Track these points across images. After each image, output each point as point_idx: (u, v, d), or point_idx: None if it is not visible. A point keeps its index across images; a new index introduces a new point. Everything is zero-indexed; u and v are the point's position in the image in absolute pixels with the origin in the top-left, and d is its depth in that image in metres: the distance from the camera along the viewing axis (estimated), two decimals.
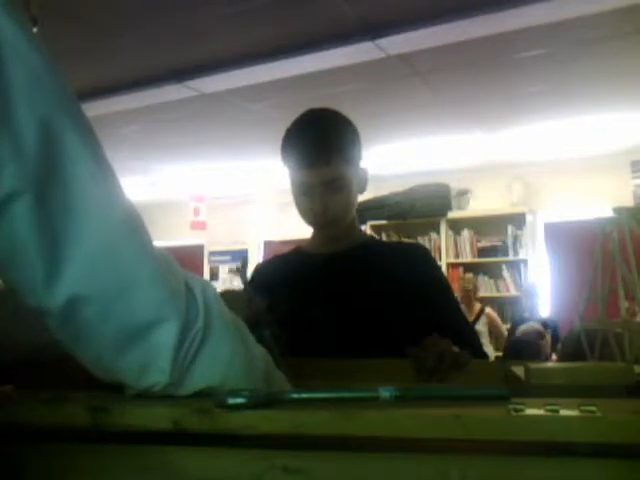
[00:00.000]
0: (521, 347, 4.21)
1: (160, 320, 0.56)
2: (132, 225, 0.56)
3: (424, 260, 1.41)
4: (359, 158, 1.35)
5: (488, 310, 5.39)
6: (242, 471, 0.59)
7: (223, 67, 3.53)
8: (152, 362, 0.57)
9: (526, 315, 5.19)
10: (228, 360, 0.62)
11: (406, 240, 5.97)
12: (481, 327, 5.19)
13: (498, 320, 5.42)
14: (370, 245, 1.43)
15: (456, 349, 1.08)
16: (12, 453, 0.66)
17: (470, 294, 5.28)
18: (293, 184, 1.33)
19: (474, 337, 1.36)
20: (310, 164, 1.27)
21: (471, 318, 5.09)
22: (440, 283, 1.40)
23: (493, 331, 5.33)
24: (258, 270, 1.47)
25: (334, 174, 1.28)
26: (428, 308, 1.27)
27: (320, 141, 1.28)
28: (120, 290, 0.54)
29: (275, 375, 0.71)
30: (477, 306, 5.36)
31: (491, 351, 5.05)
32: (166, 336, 0.56)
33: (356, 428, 0.55)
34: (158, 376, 0.58)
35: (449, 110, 4.40)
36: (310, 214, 1.32)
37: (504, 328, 5.38)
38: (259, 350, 0.68)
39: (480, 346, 1.36)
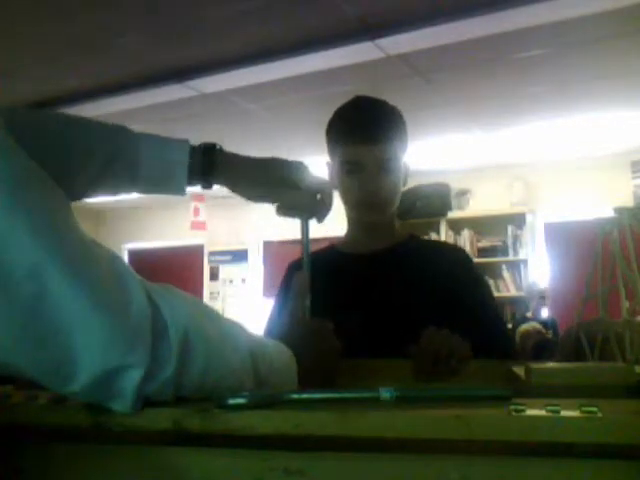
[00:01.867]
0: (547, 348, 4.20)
1: (118, 369, 0.56)
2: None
3: (466, 262, 1.38)
4: (406, 148, 1.33)
5: None
6: (242, 472, 0.59)
7: (223, 67, 3.53)
8: (113, 400, 0.58)
9: (528, 315, 5.18)
10: (212, 387, 0.63)
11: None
12: None
13: None
14: (411, 243, 1.39)
15: (457, 340, 1.05)
16: (12, 453, 0.66)
17: None
18: (343, 163, 1.29)
19: (507, 341, 1.32)
20: (368, 139, 1.24)
21: None
22: (480, 286, 1.37)
23: None
24: (289, 272, 1.41)
25: (390, 153, 1.26)
26: (468, 311, 1.24)
27: (379, 118, 1.27)
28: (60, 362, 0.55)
29: (275, 372, 0.71)
30: None
31: None
32: (126, 384, 0.57)
33: (356, 429, 0.55)
34: (121, 408, 0.59)
35: (449, 110, 4.40)
36: (360, 194, 1.27)
37: None
38: (251, 356, 0.68)
39: (512, 351, 1.32)
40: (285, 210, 1.02)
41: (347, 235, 1.41)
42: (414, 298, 1.26)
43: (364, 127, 1.25)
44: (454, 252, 1.44)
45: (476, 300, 1.30)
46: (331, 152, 1.34)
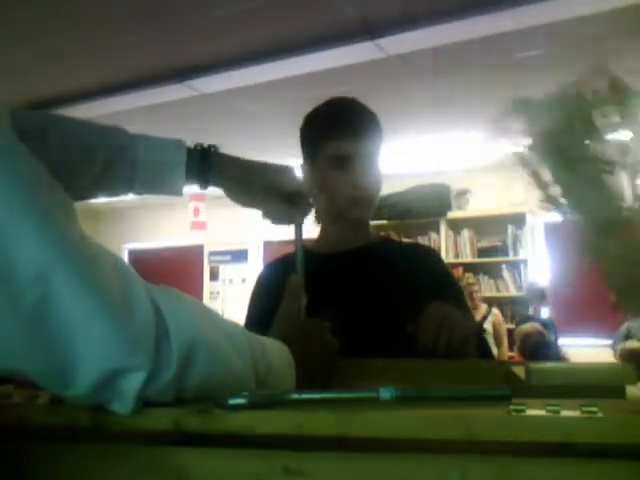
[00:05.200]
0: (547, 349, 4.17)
1: (121, 371, 0.56)
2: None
3: (438, 263, 1.40)
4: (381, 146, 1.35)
5: (496, 311, 5.38)
6: (242, 472, 0.59)
7: (223, 67, 3.53)
8: (113, 402, 0.58)
9: (531, 314, 5.18)
10: (213, 387, 0.63)
11: (407, 240, 5.97)
12: (488, 326, 5.18)
13: (503, 324, 5.38)
14: (386, 244, 1.41)
15: (460, 315, 1.07)
16: (12, 453, 0.66)
17: (473, 295, 5.26)
18: (331, 159, 1.29)
19: (482, 342, 1.34)
20: (357, 134, 1.26)
21: (477, 318, 5.06)
22: (455, 286, 1.40)
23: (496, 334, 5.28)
24: (268, 272, 1.42)
25: (374, 148, 1.29)
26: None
27: (363, 114, 1.29)
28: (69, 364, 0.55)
29: (275, 373, 0.71)
30: (483, 307, 5.34)
31: (495, 352, 5.02)
32: (128, 386, 0.57)
33: (356, 429, 0.55)
34: (122, 410, 0.59)
35: (449, 110, 4.40)
36: (349, 189, 1.28)
37: (505, 332, 5.34)
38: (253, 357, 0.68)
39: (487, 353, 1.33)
40: (272, 218, 1.06)
41: (321, 236, 1.41)
42: (393, 295, 1.26)
43: (352, 122, 1.27)
44: (428, 253, 1.46)
45: (454, 300, 1.30)
46: (313, 151, 1.33)
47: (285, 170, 1.02)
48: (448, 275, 1.42)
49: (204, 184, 0.97)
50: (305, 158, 1.37)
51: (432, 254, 1.45)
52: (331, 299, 1.23)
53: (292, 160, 1.43)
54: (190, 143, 0.97)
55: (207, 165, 0.96)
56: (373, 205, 1.33)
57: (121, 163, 0.92)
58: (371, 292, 1.29)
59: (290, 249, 1.35)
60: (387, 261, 1.33)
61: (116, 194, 0.97)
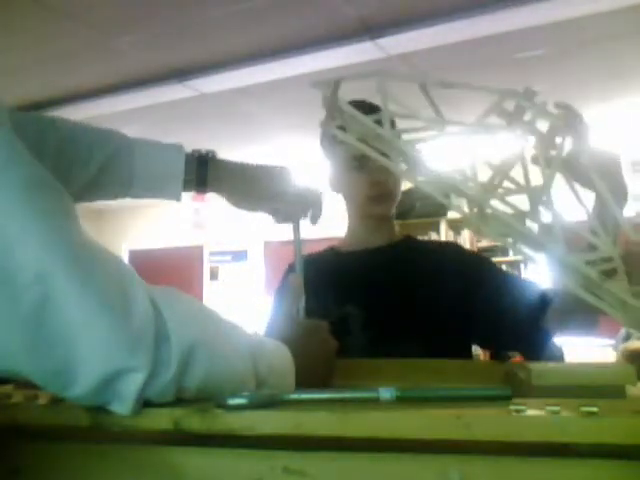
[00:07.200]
0: None
1: (121, 372, 0.56)
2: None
3: (469, 255, 1.39)
4: None
5: None
6: (242, 472, 0.59)
7: (223, 67, 3.53)
8: (113, 403, 0.58)
9: None
10: (214, 388, 0.63)
11: None
12: None
13: None
14: (409, 241, 1.41)
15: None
16: (12, 453, 0.66)
17: None
18: (348, 160, 1.30)
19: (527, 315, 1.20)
20: None
21: None
22: (494, 268, 1.35)
23: None
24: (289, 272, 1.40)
25: None
26: (478, 303, 1.22)
27: (373, 113, 1.28)
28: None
29: (276, 370, 0.71)
30: None
31: None
32: (127, 387, 0.57)
33: (356, 429, 0.55)
34: (121, 410, 0.59)
35: (449, 110, 4.39)
36: (368, 188, 1.30)
37: None
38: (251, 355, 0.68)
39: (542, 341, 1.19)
40: (275, 217, 1.07)
41: (347, 235, 1.42)
42: (420, 291, 1.27)
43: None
44: (447, 247, 1.46)
45: (504, 280, 1.28)
46: (331, 152, 1.35)
47: (281, 171, 1.03)
48: (483, 260, 1.37)
49: (201, 191, 0.98)
50: (326, 159, 1.39)
51: (459, 248, 1.44)
52: (358, 296, 1.24)
53: (292, 160, 1.43)
54: (189, 143, 0.98)
55: (204, 172, 0.97)
56: (394, 201, 1.35)
57: (118, 166, 0.92)
58: (399, 288, 1.29)
59: (286, 250, 1.36)
60: (412, 257, 1.34)
61: (113, 197, 0.97)
